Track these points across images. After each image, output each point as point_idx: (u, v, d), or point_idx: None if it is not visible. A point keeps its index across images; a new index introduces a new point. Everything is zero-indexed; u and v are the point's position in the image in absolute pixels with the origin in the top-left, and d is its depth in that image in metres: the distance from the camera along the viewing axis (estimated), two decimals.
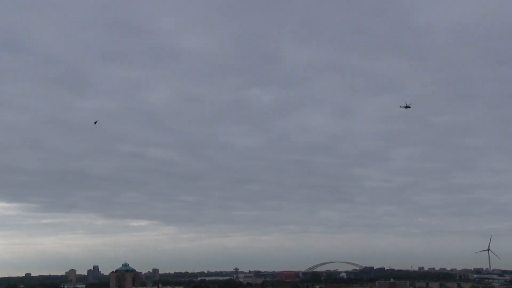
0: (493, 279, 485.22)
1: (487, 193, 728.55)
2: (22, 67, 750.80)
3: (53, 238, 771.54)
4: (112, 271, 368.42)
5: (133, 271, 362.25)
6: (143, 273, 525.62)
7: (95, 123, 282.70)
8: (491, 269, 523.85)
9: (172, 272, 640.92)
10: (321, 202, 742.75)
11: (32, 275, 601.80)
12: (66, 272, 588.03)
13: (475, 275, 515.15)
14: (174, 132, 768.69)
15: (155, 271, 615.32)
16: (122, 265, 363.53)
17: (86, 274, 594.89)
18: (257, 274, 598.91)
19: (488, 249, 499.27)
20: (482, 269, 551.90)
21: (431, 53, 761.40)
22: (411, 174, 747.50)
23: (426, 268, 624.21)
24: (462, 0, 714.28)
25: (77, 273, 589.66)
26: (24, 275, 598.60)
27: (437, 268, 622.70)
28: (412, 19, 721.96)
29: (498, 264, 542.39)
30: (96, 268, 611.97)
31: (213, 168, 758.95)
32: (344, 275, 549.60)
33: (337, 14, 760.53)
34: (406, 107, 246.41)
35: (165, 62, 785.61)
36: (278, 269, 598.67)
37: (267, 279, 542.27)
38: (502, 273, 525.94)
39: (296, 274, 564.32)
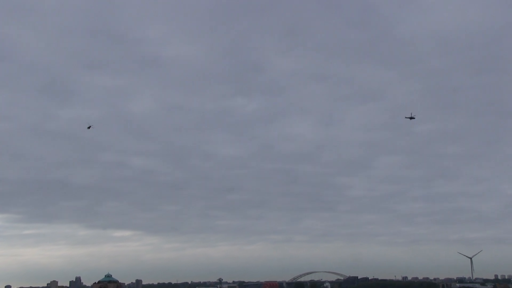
0: None
1: (470, 202, 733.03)
2: (4, 76, 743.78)
3: (34, 249, 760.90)
4: (95, 282, 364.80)
5: (116, 282, 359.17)
6: (126, 284, 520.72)
7: (89, 127, 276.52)
8: (474, 278, 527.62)
9: (155, 282, 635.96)
10: (305, 211, 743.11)
11: (12, 287, 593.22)
12: (47, 284, 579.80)
13: (457, 284, 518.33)
14: (157, 141, 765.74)
15: (138, 281, 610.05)
16: (105, 276, 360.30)
17: (68, 285, 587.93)
18: (241, 284, 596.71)
19: (471, 258, 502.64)
20: (465, 278, 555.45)
21: (414, 62, 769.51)
22: (394, 182, 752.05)
23: (409, 278, 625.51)
24: (444, 10, 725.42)
25: (59, 284, 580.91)
26: (4, 287, 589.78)
27: (420, 277, 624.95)
28: (395, 28, 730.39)
29: (481, 273, 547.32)
30: (78, 279, 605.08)
31: (197, 177, 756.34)
32: (328, 285, 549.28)
33: (321, 24, 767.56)
34: (411, 118, 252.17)
35: (149, 70, 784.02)
36: (262, 279, 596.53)
37: None
38: (484, 282, 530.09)
39: (280, 284, 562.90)
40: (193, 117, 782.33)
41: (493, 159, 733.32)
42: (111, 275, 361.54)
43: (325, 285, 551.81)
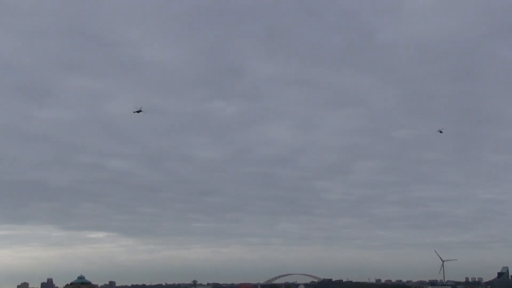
0: None
1: (444, 206, 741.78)
2: None
3: (5, 250, 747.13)
4: (67, 284, 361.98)
5: (89, 283, 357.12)
6: (99, 285, 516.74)
7: (138, 111, 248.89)
8: (445, 280, 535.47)
9: (129, 284, 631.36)
10: (282, 215, 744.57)
11: None
12: (18, 286, 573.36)
13: (430, 287, 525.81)
14: (135, 143, 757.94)
15: (112, 283, 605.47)
16: (78, 277, 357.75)
17: (39, 287, 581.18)
18: (216, 286, 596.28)
19: (443, 262, 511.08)
20: (437, 280, 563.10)
21: (392, 68, 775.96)
22: (371, 187, 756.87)
23: (383, 280, 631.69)
24: (423, 19, 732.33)
25: (30, 286, 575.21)
26: None
27: (393, 280, 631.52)
28: (375, 35, 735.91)
29: (452, 276, 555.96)
30: (50, 281, 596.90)
31: (174, 180, 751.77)
32: (302, 287, 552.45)
33: (302, 29, 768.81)
34: (440, 131, 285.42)
35: (127, 73, 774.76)
36: (237, 281, 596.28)
37: None
38: (456, 284, 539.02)
39: (255, 286, 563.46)
40: (172, 120, 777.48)
41: (468, 164, 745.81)
42: (84, 277, 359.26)
43: (299, 287, 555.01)
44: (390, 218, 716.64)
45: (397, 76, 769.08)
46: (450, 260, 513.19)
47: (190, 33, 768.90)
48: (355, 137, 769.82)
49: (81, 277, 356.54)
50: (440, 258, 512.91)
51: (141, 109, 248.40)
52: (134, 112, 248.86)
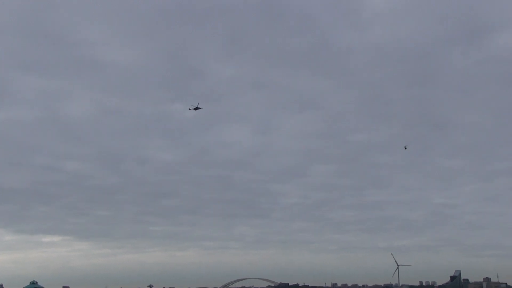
0: None
1: (398, 210, 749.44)
2: None
3: None
4: None
5: None
6: None
7: (196, 109, 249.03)
8: (400, 284, 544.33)
9: None
10: (238, 218, 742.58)
11: None
12: None
13: None
14: (92, 145, 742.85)
15: None
16: (30, 283, 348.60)
17: None
18: None
19: (398, 266, 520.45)
20: (392, 284, 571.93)
21: (350, 72, 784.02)
22: (327, 190, 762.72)
23: (339, 284, 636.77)
24: (380, 25, 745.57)
25: None
26: None
27: (349, 284, 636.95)
28: (333, 39, 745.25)
29: (407, 280, 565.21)
30: (0, 287, 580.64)
31: (131, 182, 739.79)
32: None
33: (261, 32, 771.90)
34: (405, 147, 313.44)
35: (86, 73, 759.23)
36: (193, 285, 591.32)
37: None
38: (409, 287, 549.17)
39: None
40: (130, 122, 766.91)
41: (423, 168, 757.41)
42: (37, 282, 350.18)
43: None
44: (346, 222, 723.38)
45: (354, 80, 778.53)
46: (405, 265, 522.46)
47: (150, 34, 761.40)
48: (312, 140, 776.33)
49: (33, 283, 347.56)
50: (396, 262, 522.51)
51: (199, 106, 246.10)
52: (190, 109, 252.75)
